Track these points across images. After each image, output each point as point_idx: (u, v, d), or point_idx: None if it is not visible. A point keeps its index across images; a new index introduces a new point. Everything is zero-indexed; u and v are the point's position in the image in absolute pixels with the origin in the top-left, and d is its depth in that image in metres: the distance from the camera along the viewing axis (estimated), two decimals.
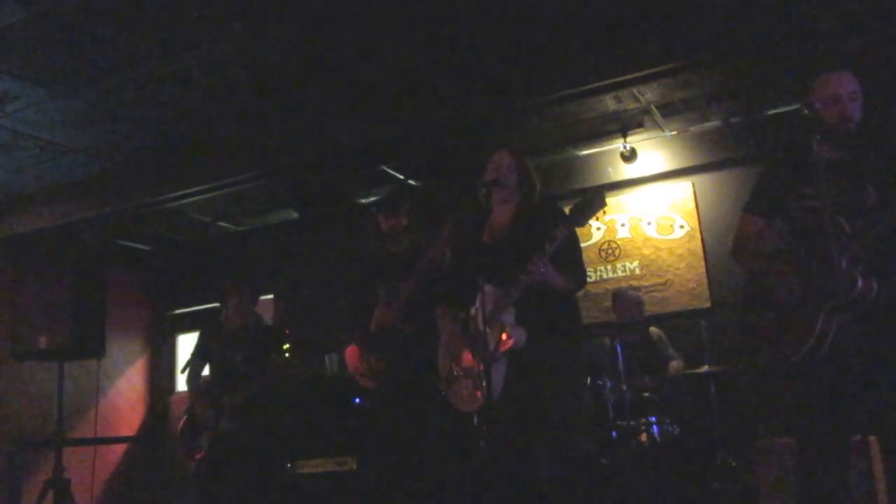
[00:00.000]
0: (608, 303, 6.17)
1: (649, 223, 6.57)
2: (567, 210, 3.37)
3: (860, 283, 2.80)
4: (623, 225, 6.66)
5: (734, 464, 4.99)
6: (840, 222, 2.86)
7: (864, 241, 2.85)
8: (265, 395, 5.04)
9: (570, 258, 3.44)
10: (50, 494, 5.40)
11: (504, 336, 3.29)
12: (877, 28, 4.51)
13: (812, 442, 3.00)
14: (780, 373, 3.02)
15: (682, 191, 6.47)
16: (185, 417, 5.24)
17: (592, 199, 3.24)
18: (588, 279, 4.49)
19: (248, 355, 5.05)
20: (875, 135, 3.11)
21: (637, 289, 6.23)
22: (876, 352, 2.85)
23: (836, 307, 2.85)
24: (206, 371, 5.37)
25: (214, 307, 6.47)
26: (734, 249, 3.36)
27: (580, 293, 3.66)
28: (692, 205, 6.41)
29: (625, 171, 6.56)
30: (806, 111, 2.97)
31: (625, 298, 5.91)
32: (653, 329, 5.84)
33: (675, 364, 5.53)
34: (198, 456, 5.07)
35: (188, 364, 5.33)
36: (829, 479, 2.91)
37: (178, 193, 6.60)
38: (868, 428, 2.80)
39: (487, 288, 3.36)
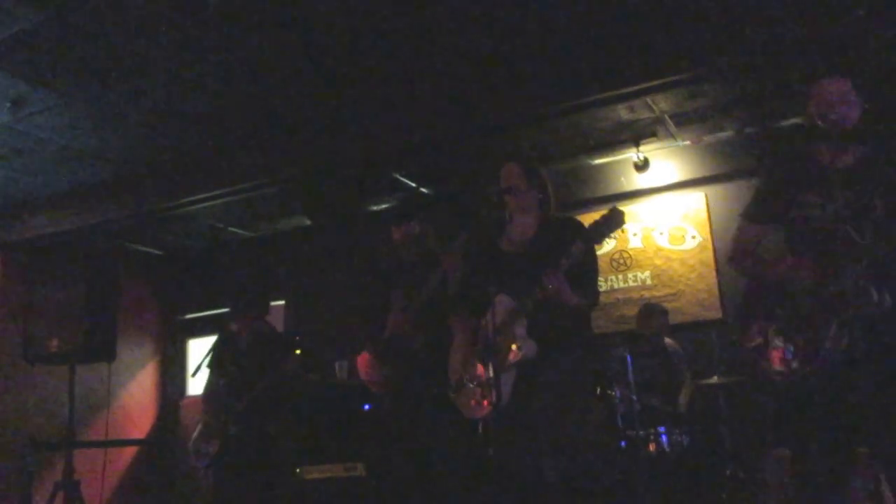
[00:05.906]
0: (619, 312, 6.16)
1: (661, 233, 6.55)
2: (587, 226, 3.34)
3: (874, 295, 2.77)
4: (635, 235, 6.64)
5: (743, 475, 4.96)
6: (849, 232, 2.84)
7: (875, 252, 2.82)
8: (270, 398, 5.06)
9: (586, 277, 3.40)
10: (60, 496, 5.41)
11: (514, 348, 3.29)
12: (887, 36, 4.50)
13: (813, 454, 2.97)
14: (785, 384, 2.98)
15: (695, 201, 6.46)
16: (199, 426, 5.27)
17: (611, 218, 3.21)
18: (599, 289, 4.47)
19: (260, 364, 5.07)
20: (880, 144, 3.07)
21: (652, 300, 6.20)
22: (885, 364, 2.82)
23: (849, 319, 2.82)
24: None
25: (225, 312, 6.48)
26: (732, 257, 3.33)
27: None
28: (704, 215, 6.39)
29: (637, 180, 6.55)
30: (807, 123, 2.96)
31: (649, 312, 5.86)
32: (668, 340, 5.80)
33: (686, 391, 5.49)
34: (203, 464, 5.11)
35: (198, 369, 5.36)
36: (828, 493, 2.88)
37: (191, 199, 6.64)
38: (873, 441, 2.77)
39: (501, 298, 3.37)
